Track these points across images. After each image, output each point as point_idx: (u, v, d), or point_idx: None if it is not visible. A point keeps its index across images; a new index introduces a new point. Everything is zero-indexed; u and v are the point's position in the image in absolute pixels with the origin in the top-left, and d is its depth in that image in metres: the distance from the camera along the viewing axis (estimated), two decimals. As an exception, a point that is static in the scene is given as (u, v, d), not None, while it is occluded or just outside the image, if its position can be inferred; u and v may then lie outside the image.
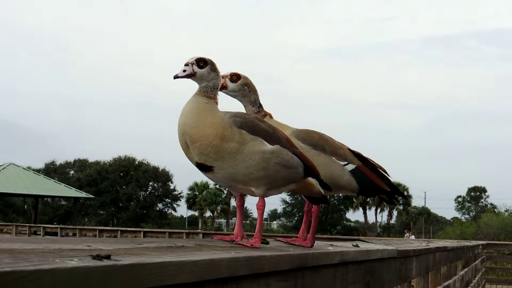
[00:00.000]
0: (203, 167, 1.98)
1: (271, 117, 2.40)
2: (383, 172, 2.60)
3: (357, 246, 2.86)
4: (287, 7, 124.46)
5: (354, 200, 63.97)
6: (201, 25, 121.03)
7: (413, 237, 41.90)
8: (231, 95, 2.39)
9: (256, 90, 2.39)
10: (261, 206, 2.04)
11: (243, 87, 2.37)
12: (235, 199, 2.19)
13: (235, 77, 2.35)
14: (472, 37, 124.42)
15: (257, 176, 1.97)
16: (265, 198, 2.06)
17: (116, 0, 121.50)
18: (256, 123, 2.01)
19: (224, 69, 2.31)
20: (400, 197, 2.66)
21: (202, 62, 2.11)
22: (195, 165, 2.00)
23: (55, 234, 24.77)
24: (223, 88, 2.32)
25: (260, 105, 2.40)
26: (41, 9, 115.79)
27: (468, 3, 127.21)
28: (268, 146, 1.97)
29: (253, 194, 2.06)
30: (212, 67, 2.11)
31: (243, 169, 1.94)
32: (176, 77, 2.12)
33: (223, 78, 2.31)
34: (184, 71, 2.10)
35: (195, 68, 2.10)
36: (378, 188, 2.52)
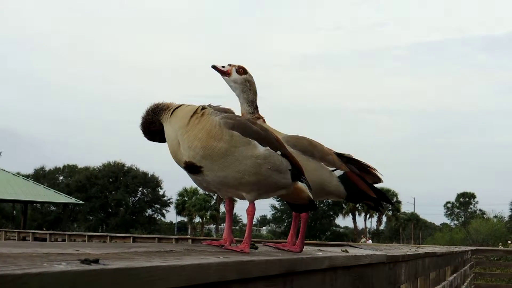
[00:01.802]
0: (192, 168, 1.96)
1: (264, 121, 2.39)
2: (374, 171, 2.61)
3: (346, 251, 2.87)
4: (277, 13, 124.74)
5: (344, 206, 64.03)
6: (192, 31, 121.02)
7: (370, 241, 42.07)
8: (231, 86, 2.37)
9: (256, 92, 2.39)
10: (251, 211, 2.02)
11: (245, 82, 2.36)
12: (224, 204, 2.18)
13: (241, 70, 2.35)
14: (462, 44, 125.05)
15: (248, 181, 1.95)
16: (255, 203, 2.05)
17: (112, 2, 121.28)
18: (248, 125, 1.99)
19: (215, 77, 2.34)
20: (387, 204, 2.66)
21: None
22: (184, 167, 1.98)
23: (44, 239, 24.64)
24: (226, 74, 2.34)
25: (256, 107, 2.40)
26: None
27: (458, 9, 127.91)
28: (261, 150, 1.95)
29: (242, 198, 2.05)
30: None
31: (234, 173, 1.92)
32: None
33: (230, 66, 2.33)
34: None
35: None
36: (365, 194, 2.52)
